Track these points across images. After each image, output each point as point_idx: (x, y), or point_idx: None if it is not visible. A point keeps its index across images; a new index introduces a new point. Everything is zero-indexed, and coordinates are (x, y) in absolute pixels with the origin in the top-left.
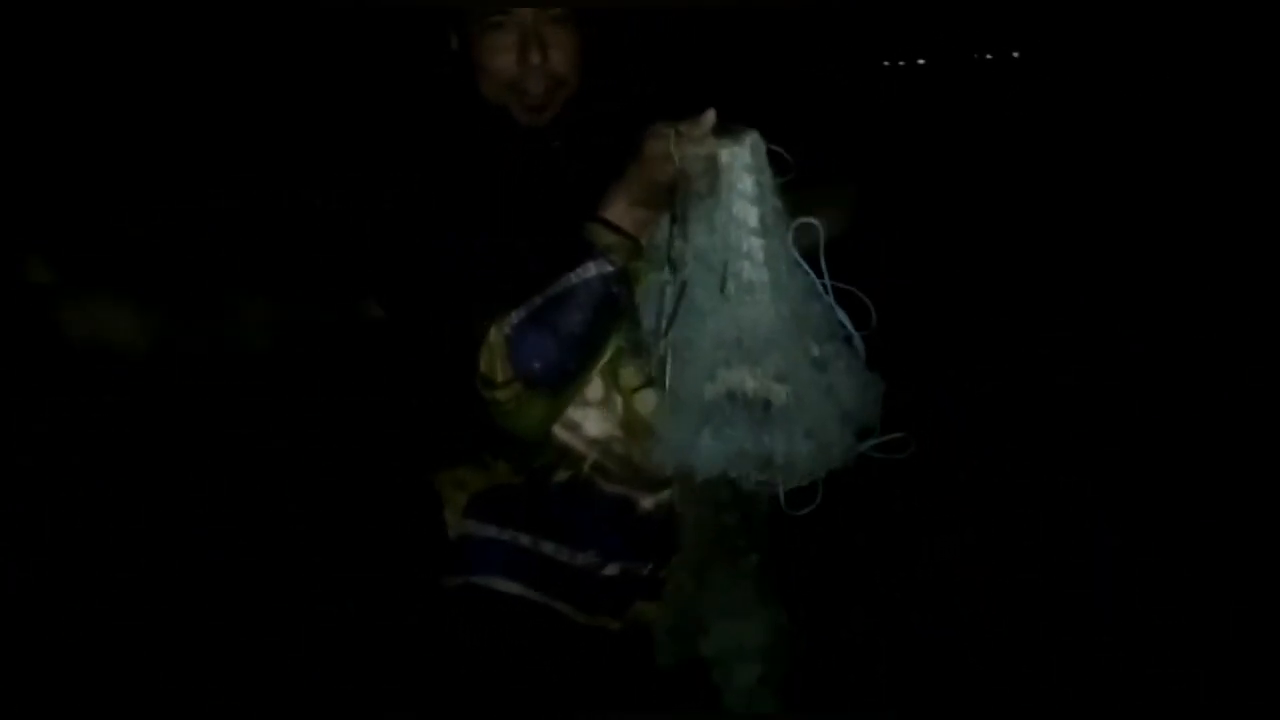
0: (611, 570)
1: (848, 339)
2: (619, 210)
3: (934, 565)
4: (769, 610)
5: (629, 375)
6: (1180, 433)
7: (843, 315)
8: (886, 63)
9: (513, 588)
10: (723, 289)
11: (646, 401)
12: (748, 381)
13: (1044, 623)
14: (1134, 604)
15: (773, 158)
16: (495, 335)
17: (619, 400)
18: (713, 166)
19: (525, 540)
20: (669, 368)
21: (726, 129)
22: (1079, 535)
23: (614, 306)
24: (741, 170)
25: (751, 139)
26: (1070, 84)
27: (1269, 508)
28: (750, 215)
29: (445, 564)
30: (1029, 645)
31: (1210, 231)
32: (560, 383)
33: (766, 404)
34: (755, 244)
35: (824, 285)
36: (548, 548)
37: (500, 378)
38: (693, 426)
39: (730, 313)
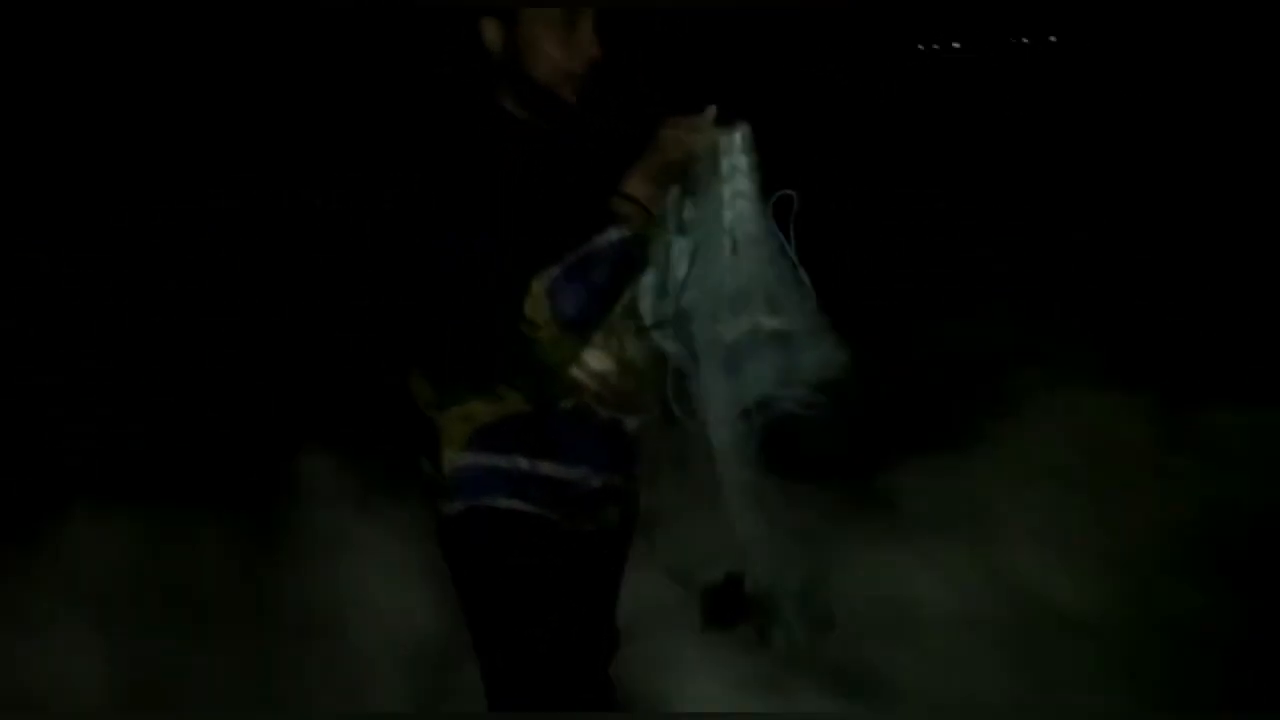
0: (596, 482)
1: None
2: (636, 186)
3: None
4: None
5: (624, 321)
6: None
7: (801, 270)
8: (921, 46)
9: (515, 504)
10: (733, 248)
11: (636, 343)
12: (763, 320)
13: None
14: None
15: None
16: (538, 286)
17: (616, 342)
18: (715, 151)
19: (524, 464)
20: (690, 318)
21: (723, 119)
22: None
23: (632, 265)
24: (739, 153)
25: (743, 129)
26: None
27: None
28: (747, 187)
29: (438, 494)
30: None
31: (1213, 226)
32: (587, 326)
33: (783, 334)
34: (753, 210)
35: (790, 243)
36: (545, 468)
37: (541, 320)
38: (731, 364)
39: (737, 267)
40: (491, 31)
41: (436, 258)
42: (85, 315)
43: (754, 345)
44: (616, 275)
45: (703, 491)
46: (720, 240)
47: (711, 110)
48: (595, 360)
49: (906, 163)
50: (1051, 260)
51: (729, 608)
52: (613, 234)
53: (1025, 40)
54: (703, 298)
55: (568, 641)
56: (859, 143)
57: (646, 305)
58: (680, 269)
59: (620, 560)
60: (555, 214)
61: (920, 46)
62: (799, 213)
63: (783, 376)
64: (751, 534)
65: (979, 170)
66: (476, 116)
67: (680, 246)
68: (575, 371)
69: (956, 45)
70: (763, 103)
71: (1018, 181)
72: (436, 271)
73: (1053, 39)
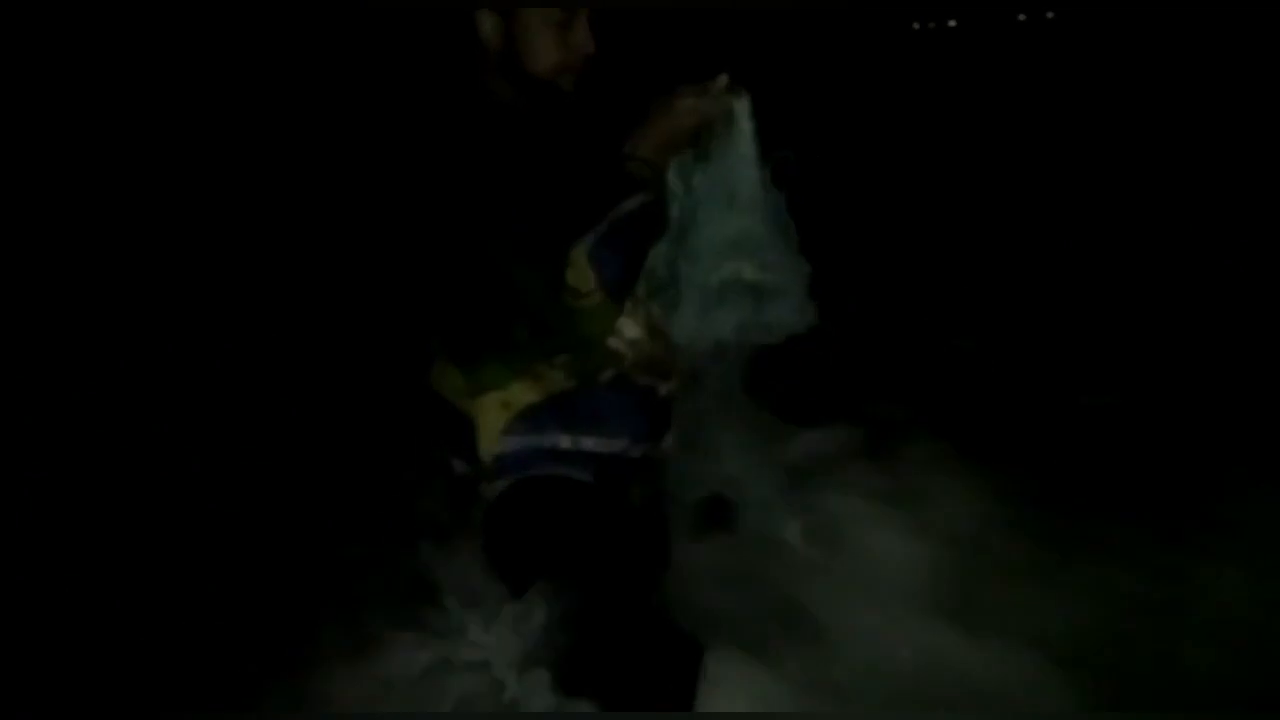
0: (635, 452)
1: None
2: (651, 150)
3: None
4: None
5: (645, 289)
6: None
7: (793, 227)
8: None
9: (563, 471)
10: (731, 204)
11: (656, 306)
12: (746, 271)
13: None
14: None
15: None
16: (578, 254)
17: (641, 308)
18: (728, 115)
19: (566, 442)
20: (684, 264)
21: (732, 86)
22: None
23: (656, 225)
24: (744, 117)
25: (747, 95)
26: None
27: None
28: (751, 150)
29: (479, 482)
30: None
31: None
32: (625, 288)
33: (760, 286)
34: (754, 171)
35: (785, 203)
36: (588, 443)
37: (585, 288)
38: (706, 305)
39: (732, 221)
40: (487, 25)
41: (471, 244)
42: None
43: (729, 292)
44: (645, 237)
45: (697, 419)
46: (722, 198)
47: (724, 78)
48: (629, 328)
49: (904, 145)
50: (1049, 249)
51: (714, 516)
52: (638, 198)
53: (1021, 17)
54: (698, 247)
55: (626, 608)
56: (856, 122)
57: (659, 265)
58: (686, 226)
59: (662, 519)
60: (577, 186)
61: (916, 25)
62: (795, 177)
63: (749, 324)
64: (734, 452)
65: (976, 151)
66: (482, 105)
67: (687, 205)
68: (612, 341)
69: (952, 23)
70: (760, 83)
71: (1016, 167)
72: (474, 257)
73: (1050, 15)
